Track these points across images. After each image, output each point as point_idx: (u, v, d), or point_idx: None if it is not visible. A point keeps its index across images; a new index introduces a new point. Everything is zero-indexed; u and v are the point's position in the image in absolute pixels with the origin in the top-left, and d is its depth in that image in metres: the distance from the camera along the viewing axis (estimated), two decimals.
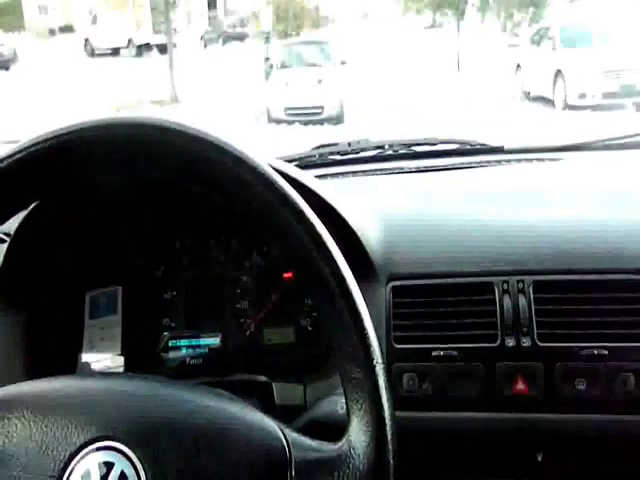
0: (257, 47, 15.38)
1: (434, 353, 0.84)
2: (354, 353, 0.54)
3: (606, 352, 0.82)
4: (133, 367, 0.88)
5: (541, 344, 0.83)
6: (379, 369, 0.53)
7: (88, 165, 0.58)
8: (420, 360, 0.85)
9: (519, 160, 1.34)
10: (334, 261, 0.54)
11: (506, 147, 1.40)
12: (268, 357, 0.95)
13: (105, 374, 0.80)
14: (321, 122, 8.59)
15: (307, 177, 0.90)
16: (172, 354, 0.90)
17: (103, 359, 0.89)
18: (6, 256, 0.87)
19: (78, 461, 0.50)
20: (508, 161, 1.34)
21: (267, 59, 12.06)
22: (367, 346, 0.54)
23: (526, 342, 0.83)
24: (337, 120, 8.85)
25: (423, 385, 0.84)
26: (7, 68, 15.57)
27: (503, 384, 0.83)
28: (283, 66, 10.31)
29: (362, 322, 0.54)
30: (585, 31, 9.34)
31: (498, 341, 0.84)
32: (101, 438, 0.51)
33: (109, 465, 0.50)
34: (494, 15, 18.59)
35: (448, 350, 0.84)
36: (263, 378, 0.86)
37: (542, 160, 1.34)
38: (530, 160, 1.34)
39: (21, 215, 0.87)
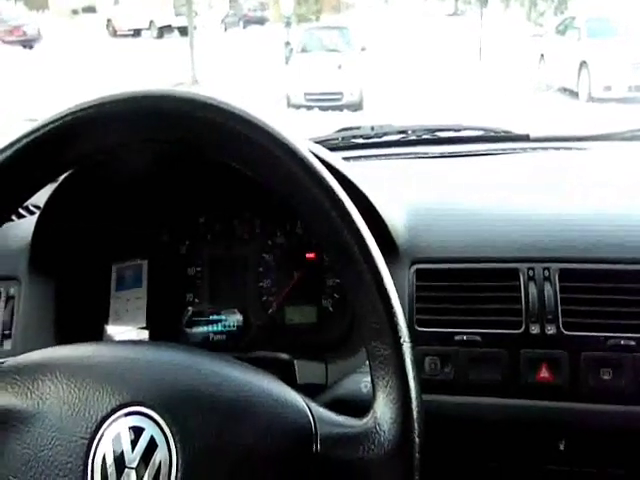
0: (277, 31, 15.31)
1: (457, 337, 0.84)
2: (381, 330, 0.54)
3: (633, 343, 0.81)
4: (157, 341, 0.89)
5: (566, 332, 0.83)
6: (406, 347, 0.54)
7: (117, 137, 0.58)
8: (442, 344, 0.85)
9: (545, 148, 1.33)
10: (363, 239, 0.54)
11: (531, 135, 1.38)
12: (290, 336, 0.96)
13: (136, 342, 0.81)
14: (340, 108, 8.55)
15: (335, 158, 0.90)
16: (195, 329, 0.91)
17: (128, 331, 0.90)
18: (37, 227, 0.88)
19: (109, 425, 0.51)
20: (534, 149, 1.32)
21: (287, 43, 12.01)
22: (394, 323, 0.54)
23: (551, 330, 0.83)
24: (356, 107, 8.81)
25: (445, 369, 0.84)
26: (31, 47, 15.65)
27: (527, 371, 0.83)
28: (303, 51, 10.27)
29: (389, 299, 0.54)
30: (612, 22, 9.18)
31: (522, 328, 0.84)
32: (132, 403, 0.51)
33: (139, 430, 0.50)
34: (518, 4, 18.29)
35: (471, 335, 0.84)
36: (285, 356, 0.87)
37: (569, 149, 1.32)
38: (557, 149, 1.33)
39: (51, 187, 0.88)
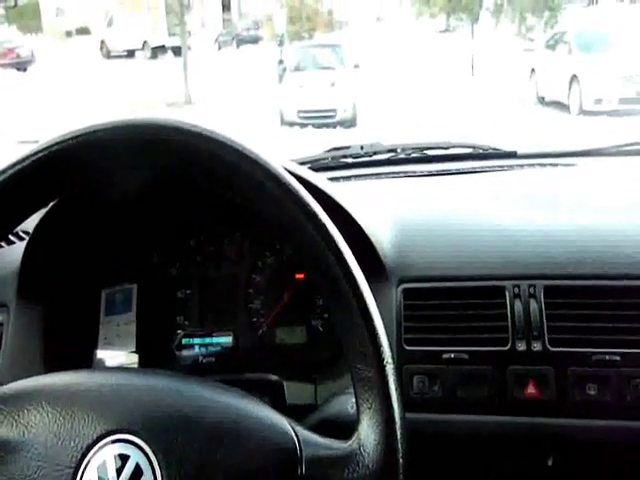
0: (271, 50, 15.45)
1: (444, 355, 0.85)
2: (365, 353, 0.54)
3: (618, 358, 0.82)
4: (147, 364, 0.89)
5: (552, 349, 0.83)
6: (389, 369, 0.54)
7: (105, 165, 0.59)
8: (430, 362, 0.85)
9: (532, 165, 1.34)
10: (346, 262, 0.55)
11: (519, 152, 1.40)
12: (280, 356, 0.96)
13: (121, 369, 0.81)
14: (334, 125, 8.60)
15: (320, 179, 0.91)
16: (185, 352, 0.91)
17: (118, 356, 0.90)
18: (25, 253, 0.89)
19: (94, 453, 0.51)
20: (521, 166, 1.34)
21: (281, 62, 12.10)
22: (377, 346, 0.54)
23: (537, 346, 0.84)
24: (350, 123, 8.87)
25: (433, 387, 0.85)
26: (25, 69, 15.76)
27: (514, 388, 0.83)
28: (296, 69, 10.35)
29: (373, 322, 0.55)
30: (601, 36, 9.27)
31: (509, 345, 0.84)
32: (117, 431, 0.52)
33: (124, 457, 0.51)
34: (508, 20, 18.48)
35: (458, 353, 0.85)
36: (275, 377, 0.87)
37: (555, 165, 1.34)
38: (543, 165, 1.34)
39: (40, 213, 0.88)
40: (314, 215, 0.56)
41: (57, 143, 0.57)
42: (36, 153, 0.57)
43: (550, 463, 0.84)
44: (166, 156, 0.58)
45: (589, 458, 0.86)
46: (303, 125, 8.65)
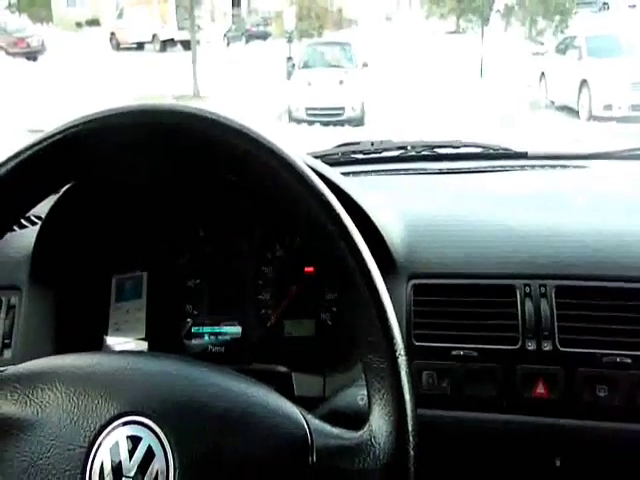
0: (279, 46, 15.44)
1: (454, 352, 0.85)
2: (377, 343, 0.54)
3: (629, 360, 0.81)
4: (156, 352, 0.89)
5: (562, 349, 0.83)
6: (401, 360, 0.54)
7: (120, 150, 0.59)
8: (439, 359, 0.85)
9: (543, 166, 1.34)
10: (360, 252, 0.55)
11: (530, 153, 1.40)
12: (288, 348, 0.96)
13: (135, 352, 0.81)
14: (341, 123, 8.61)
15: (334, 173, 0.91)
16: (195, 341, 0.91)
17: (127, 342, 0.91)
18: (37, 237, 0.89)
19: (107, 434, 0.51)
20: (532, 167, 1.34)
21: (289, 58, 12.11)
22: (390, 337, 0.54)
23: (547, 346, 0.83)
24: (357, 122, 8.87)
25: (442, 384, 0.85)
26: (35, 59, 15.79)
27: (523, 387, 0.83)
28: (305, 66, 10.36)
29: (386, 313, 0.55)
30: (612, 41, 9.25)
31: (519, 344, 0.84)
32: (130, 413, 0.52)
33: (137, 439, 0.51)
34: (519, 22, 18.40)
35: (468, 350, 0.84)
36: (283, 368, 0.87)
37: (566, 167, 1.34)
38: (554, 167, 1.34)
39: (52, 198, 0.89)
40: (329, 205, 0.56)
41: (74, 126, 0.57)
42: (53, 135, 0.57)
43: (558, 464, 0.84)
44: (182, 143, 0.58)
45: (597, 459, 0.86)
46: (311, 122, 8.65)
